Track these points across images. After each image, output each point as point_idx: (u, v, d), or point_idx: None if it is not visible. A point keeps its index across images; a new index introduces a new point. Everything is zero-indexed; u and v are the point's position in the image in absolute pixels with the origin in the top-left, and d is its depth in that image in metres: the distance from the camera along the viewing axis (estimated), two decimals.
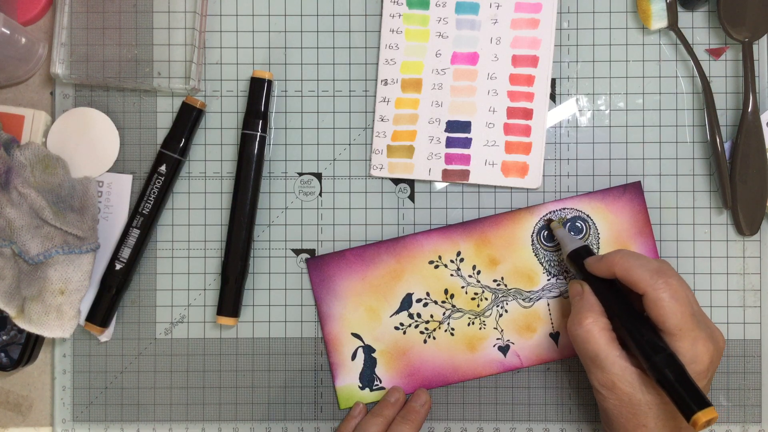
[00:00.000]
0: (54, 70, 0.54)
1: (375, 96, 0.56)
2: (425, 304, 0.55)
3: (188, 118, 0.55)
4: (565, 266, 0.55)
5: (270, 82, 0.55)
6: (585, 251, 0.51)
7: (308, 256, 0.56)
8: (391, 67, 0.55)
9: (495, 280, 0.55)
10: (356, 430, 0.53)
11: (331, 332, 0.56)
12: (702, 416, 0.40)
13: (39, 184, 0.53)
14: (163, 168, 0.55)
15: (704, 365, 0.45)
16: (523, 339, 0.55)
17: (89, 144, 0.56)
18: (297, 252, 0.56)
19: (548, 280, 0.55)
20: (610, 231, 0.55)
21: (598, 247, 0.55)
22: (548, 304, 0.55)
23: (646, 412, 0.45)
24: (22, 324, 0.52)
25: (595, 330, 0.46)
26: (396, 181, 0.56)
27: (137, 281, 0.57)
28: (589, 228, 0.55)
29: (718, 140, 0.54)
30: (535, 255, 0.55)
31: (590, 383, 0.48)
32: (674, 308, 0.45)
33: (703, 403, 0.41)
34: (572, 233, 0.54)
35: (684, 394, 0.42)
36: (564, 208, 0.55)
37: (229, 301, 0.55)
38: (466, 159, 0.55)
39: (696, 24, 0.56)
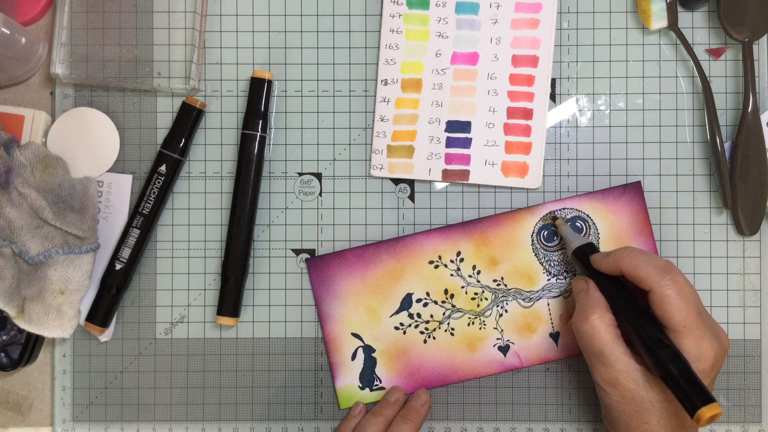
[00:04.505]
0: (54, 70, 0.54)
1: (375, 96, 0.56)
2: (425, 304, 0.55)
3: (188, 118, 0.55)
4: (565, 266, 0.55)
5: (270, 82, 0.55)
6: (589, 248, 0.51)
7: (308, 256, 0.56)
8: (391, 67, 0.55)
9: (495, 280, 0.55)
10: (356, 430, 0.53)
11: (331, 332, 0.56)
12: (706, 411, 0.40)
13: (39, 184, 0.53)
14: (163, 168, 0.55)
15: (708, 363, 0.45)
16: (523, 339, 0.55)
17: (89, 144, 0.56)
18: (297, 252, 0.56)
19: (548, 280, 0.55)
20: (610, 231, 0.55)
21: (598, 247, 0.55)
22: (548, 304, 0.55)
23: (649, 409, 0.45)
24: (22, 324, 0.52)
25: (601, 326, 0.46)
26: (396, 181, 0.56)
27: (137, 281, 0.57)
28: (589, 228, 0.55)
29: (718, 140, 0.54)
30: (535, 255, 0.55)
31: (593, 380, 0.48)
32: (680, 305, 0.45)
33: (707, 399, 0.41)
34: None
35: (688, 389, 0.41)
36: (564, 208, 0.55)
37: (229, 301, 0.55)
38: (466, 159, 0.55)
39: (696, 24, 0.56)
